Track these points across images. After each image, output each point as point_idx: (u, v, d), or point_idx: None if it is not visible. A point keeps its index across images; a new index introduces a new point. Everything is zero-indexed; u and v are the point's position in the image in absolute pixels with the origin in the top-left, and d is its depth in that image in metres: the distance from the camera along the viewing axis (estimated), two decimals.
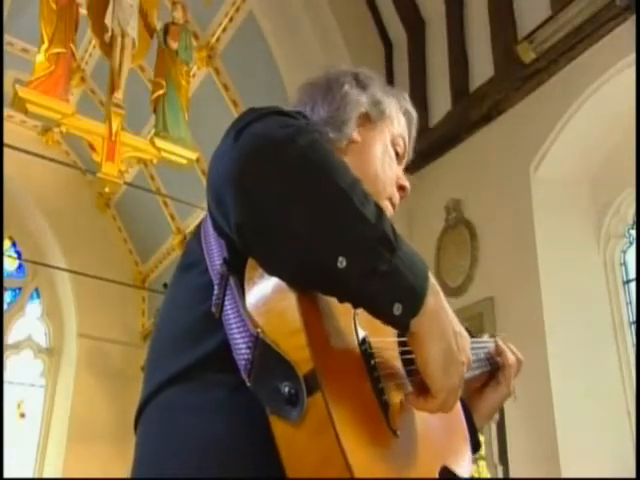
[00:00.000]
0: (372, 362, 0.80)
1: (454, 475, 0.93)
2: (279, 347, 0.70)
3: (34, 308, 8.19)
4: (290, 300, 0.72)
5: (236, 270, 0.79)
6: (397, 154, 1.16)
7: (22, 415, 7.76)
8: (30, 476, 7.49)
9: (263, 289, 0.76)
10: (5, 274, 7.69)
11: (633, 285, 4.18)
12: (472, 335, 1.18)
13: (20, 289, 8.12)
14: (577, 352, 3.94)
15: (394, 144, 1.16)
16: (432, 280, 0.79)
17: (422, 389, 0.81)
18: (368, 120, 1.12)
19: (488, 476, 4.00)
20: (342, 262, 0.71)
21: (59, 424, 7.66)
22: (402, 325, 0.77)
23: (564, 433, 3.74)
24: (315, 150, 0.75)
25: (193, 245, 0.94)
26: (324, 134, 1.04)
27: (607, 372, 4.02)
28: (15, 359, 7.87)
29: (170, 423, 0.80)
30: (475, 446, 1.15)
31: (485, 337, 1.28)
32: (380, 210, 0.76)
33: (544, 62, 4.25)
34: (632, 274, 4.21)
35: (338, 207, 0.72)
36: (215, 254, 0.85)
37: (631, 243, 4.27)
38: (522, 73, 4.37)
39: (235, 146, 0.76)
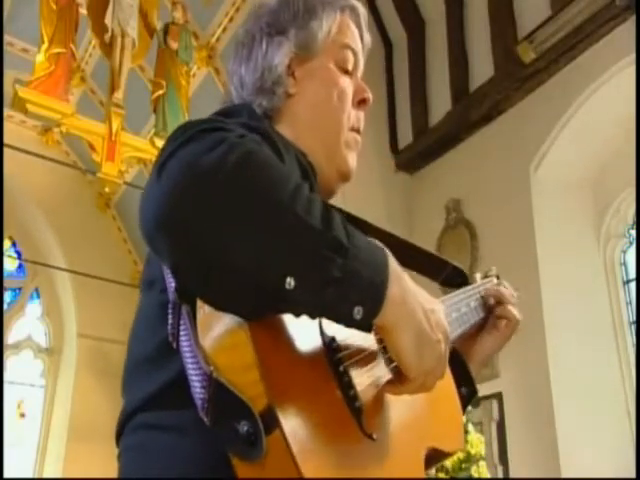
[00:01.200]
0: (340, 368, 0.75)
1: (443, 453, 0.91)
2: (233, 385, 0.66)
3: (34, 308, 8.18)
4: (242, 332, 0.68)
5: (189, 297, 0.73)
6: (346, 71, 1.05)
7: (22, 415, 7.76)
8: (30, 476, 7.49)
9: (214, 320, 0.71)
10: (5, 274, 7.69)
11: (633, 285, 4.18)
12: (466, 282, 1.17)
13: (20, 289, 8.12)
14: (577, 352, 3.94)
15: (340, 62, 1.05)
16: (392, 265, 0.75)
17: (401, 375, 0.79)
18: (301, 60, 1.02)
19: (488, 476, 4.00)
20: (290, 283, 0.66)
21: (59, 424, 7.65)
22: (363, 327, 0.73)
23: (564, 433, 3.74)
24: (247, 167, 0.67)
25: (152, 262, 0.89)
26: (262, 120, 0.98)
27: (607, 372, 4.02)
28: (15, 359, 7.86)
29: (144, 442, 0.79)
30: (472, 394, 1.12)
31: (477, 279, 1.23)
32: (327, 211, 0.70)
33: (544, 62, 4.26)
34: (632, 274, 4.21)
35: (280, 225, 0.66)
36: (170, 276, 0.78)
37: (631, 243, 4.28)
38: (522, 73, 4.38)
39: (158, 185, 0.67)
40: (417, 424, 0.89)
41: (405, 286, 0.76)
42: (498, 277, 1.28)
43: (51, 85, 4.85)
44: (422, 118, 5.15)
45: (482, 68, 4.73)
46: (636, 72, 3.71)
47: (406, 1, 5.37)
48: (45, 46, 4.93)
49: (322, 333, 0.76)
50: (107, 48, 5.42)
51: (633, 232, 4.27)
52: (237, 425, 0.65)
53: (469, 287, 1.17)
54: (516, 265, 4.17)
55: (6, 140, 5.26)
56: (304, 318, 0.72)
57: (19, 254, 8.07)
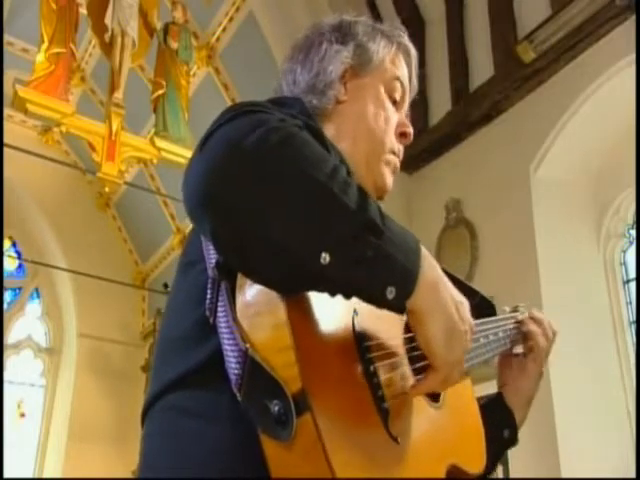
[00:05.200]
0: (371, 368, 0.76)
1: (464, 473, 0.91)
2: (268, 364, 0.67)
3: (34, 308, 8.19)
4: (280, 313, 0.69)
5: (229, 273, 0.75)
6: (394, 101, 1.10)
7: (22, 415, 7.76)
8: (30, 476, 7.49)
9: (253, 298, 0.73)
10: (5, 274, 7.69)
11: (633, 285, 4.18)
12: (494, 314, 1.19)
13: (20, 289, 8.12)
14: (577, 352, 3.94)
15: (389, 90, 1.10)
16: (425, 254, 0.77)
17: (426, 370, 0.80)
18: (355, 74, 1.07)
19: None
20: (325, 258, 0.68)
21: (59, 424, 7.66)
22: (397, 308, 0.75)
23: (564, 433, 3.74)
24: (288, 147, 0.70)
25: (193, 242, 0.91)
26: (312, 116, 1.00)
27: (607, 372, 4.02)
28: (15, 359, 7.87)
29: (171, 428, 0.79)
30: (513, 439, 1.14)
31: (507, 310, 1.25)
32: (363, 194, 0.73)
33: (544, 62, 4.25)
34: (632, 274, 4.21)
35: (316, 203, 0.69)
36: (212, 253, 0.82)
37: (631, 243, 4.27)
38: (522, 73, 4.37)
39: (199, 160, 0.71)
40: (441, 438, 0.89)
41: (438, 274, 0.78)
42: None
43: (51, 85, 4.85)
44: (422, 118, 5.15)
45: (482, 68, 4.73)
46: (636, 72, 3.71)
47: (406, 1, 5.37)
48: (45, 46, 4.93)
49: (354, 330, 0.77)
50: (107, 48, 5.42)
51: (633, 232, 4.27)
52: (269, 404, 0.66)
53: (497, 317, 1.19)
54: (516, 265, 4.18)
55: (6, 140, 5.26)
56: (340, 307, 0.73)
57: (19, 254, 8.08)
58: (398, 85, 1.11)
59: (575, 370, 3.89)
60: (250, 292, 0.73)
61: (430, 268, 0.77)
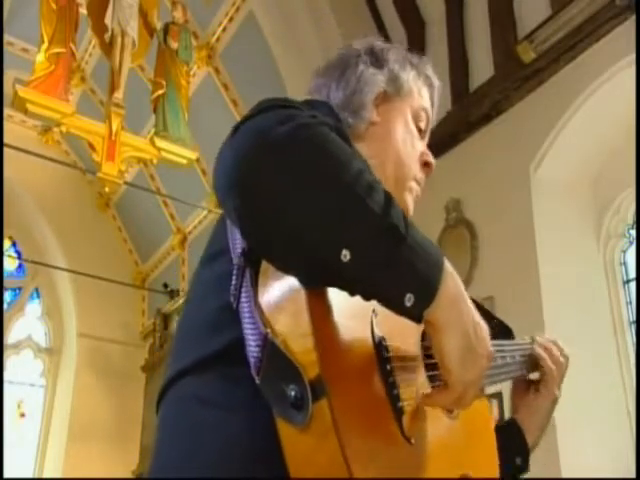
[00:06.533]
0: (387, 367, 0.77)
1: None
2: (287, 349, 0.69)
3: (34, 308, 8.20)
4: (301, 300, 0.70)
5: (254, 261, 0.77)
6: (420, 129, 1.14)
7: (22, 415, 7.77)
8: (30, 476, 7.50)
9: (276, 285, 0.74)
10: (5, 274, 7.69)
11: (633, 285, 4.18)
12: (512, 337, 1.19)
13: (20, 289, 8.13)
14: (577, 352, 3.93)
15: (416, 119, 1.13)
16: (449, 268, 0.77)
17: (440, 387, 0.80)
18: (387, 99, 1.10)
19: None
20: (346, 256, 0.68)
21: (59, 424, 7.66)
22: (414, 316, 0.74)
23: (564, 433, 3.74)
24: (315, 144, 0.71)
25: (218, 234, 0.92)
26: (342, 121, 1.03)
27: (607, 372, 4.02)
28: (15, 359, 7.88)
29: (186, 417, 0.79)
30: (524, 466, 1.15)
31: (526, 339, 1.26)
32: (388, 199, 0.73)
33: (544, 62, 4.25)
34: (632, 274, 4.21)
35: (340, 201, 0.69)
36: (238, 243, 0.83)
37: (631, 243, 4.27)
38: (522, 73, 4.38)
39: (231, 144, 0.73)
40: (455, 448, 0.89)
41: (460, 292, 0.78)
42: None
43: (51, 85, 4.86)
44: None
45: (482, 68, 4.73)
46: (636, 72, 3.71)
47: (406, 1, 5.37)
48: (45, 46, 4.93)
49: (372, 329, 0.78)
50: (107, 48, 5.43)
51: (633, 232, 4.27)
52: (286, 388, 0.67)
53: (514, 341, 1.20)
54: (516, 265, 4.17)
55: (6, 140, 5.26)
56: (360, 304, 0.74)
57: (19, 254, 8.08)
58: (424, 115, 1.15)
59: (575, 370, 3.88)
60: (273, 278, 0.74)
61: (453, 283, 0.77)
